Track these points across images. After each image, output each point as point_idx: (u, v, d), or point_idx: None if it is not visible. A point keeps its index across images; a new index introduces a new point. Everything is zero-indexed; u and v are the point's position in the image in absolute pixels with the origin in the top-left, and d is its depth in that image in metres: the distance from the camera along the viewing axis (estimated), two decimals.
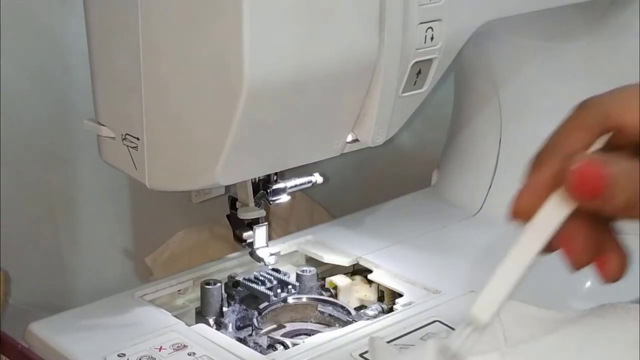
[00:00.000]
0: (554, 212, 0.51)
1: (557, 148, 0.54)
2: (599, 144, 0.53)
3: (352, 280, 0.83)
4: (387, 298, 0.81)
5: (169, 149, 0.68)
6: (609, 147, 0.53)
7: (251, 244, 0.80)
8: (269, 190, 0.79)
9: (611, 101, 0.54)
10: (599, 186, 0.50)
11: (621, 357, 0.53)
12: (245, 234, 0.80)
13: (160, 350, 0.71)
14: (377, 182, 1.10)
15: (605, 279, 0.54)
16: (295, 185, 0.80)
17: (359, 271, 0.84)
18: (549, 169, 0.53)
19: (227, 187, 0.82)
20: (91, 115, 0.73)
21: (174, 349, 0.71)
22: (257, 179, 0.78)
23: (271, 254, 0.81)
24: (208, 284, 0.78)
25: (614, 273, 0.54)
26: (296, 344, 0.73)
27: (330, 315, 0.79)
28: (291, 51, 0.63)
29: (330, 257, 0.84)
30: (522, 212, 0.52)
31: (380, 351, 0.57)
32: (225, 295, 0.79)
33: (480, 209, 0.91)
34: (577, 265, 0.53)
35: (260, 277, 0.80)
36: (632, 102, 0.54)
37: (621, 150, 0.52)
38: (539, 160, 0.54)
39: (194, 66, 0.64)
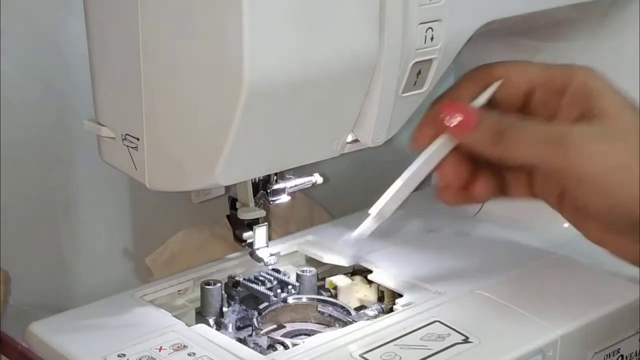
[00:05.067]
0: (440, 146, 0.68)
1: (448, 94, 0.70)
2: (485, 95, 0.68)
3: (352, 280, 0.83)
4: (387, 298, 0.81)
5: (169, 149, 0.68)
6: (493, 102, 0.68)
7: (251, 244, 0.80)
8: (269, 191, 0.79)
9: (499, 63, 0.70)
10: (470, 121, 0.66)
11: None
12: (245, 234, 0.80)
13: (160, 351, 0.71)
14: (377, 182, 1.09)
15: (475, 201, 0.72)
16: (295, 185, 0.81)
17: (359, 271, 0.84)
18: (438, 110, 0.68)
19: (227, 187, 0.82)
20: (91, 115, 0.73)
21: (174, 349, 0.71)
22: (257, 179, 0.78)
23: (271, 254, 0.81)
24: (208, 284, 0.78)
25: (479, 195, 0.70)
26: (296, 344, 0.73)
27: (330, 315, 0.79)
28: (291, 51, 0.63)
29: (330, 257, 0.84)
30: (418, 142, 0.69)
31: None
32: (225, 295, 0.79)
33: (480, 209, 0.91)
34: (444, 183, 0.71)
35: (260, 277, 0.80)
36: (517, 64, 0.69)
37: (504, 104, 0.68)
38: (434, 103, 0.70)
39: (193, 66, 0.64)
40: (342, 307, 0.79)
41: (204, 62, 0.64)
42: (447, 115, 0.66)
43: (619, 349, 0.78)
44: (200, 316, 0.78)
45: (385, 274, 0.82)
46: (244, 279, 0.80)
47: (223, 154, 0.65)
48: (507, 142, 0.64)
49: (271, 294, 0.78)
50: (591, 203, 0.63)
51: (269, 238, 0.82)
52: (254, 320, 0.77)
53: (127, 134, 0.70)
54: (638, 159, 0.61)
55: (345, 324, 0.77)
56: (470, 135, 0.66)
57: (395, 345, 0.71)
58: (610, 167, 0.61)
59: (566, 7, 0.80)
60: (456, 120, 0.66)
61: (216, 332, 0.75)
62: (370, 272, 0.82)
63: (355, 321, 0.77)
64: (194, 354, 0.70)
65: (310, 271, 0.82)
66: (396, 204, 0.72)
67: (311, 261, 0.86)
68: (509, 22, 0.77)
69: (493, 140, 0.65)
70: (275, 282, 0.79)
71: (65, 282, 0.95)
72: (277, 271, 0.81)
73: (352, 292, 0.82)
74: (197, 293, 0.80)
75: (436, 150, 0.69)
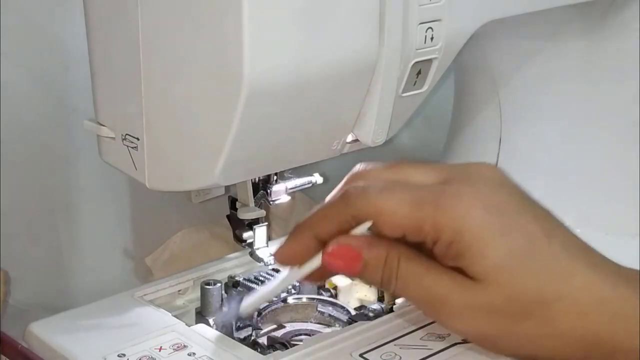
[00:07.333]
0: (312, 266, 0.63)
1: (312, 228, 0.63)
2: (361, 229, 0.61)
3: (352, 280, 0.83)
4: (387, 298, 0.81)
5: (169, 149, 0.68)
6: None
7: (251, 244, 0.80)
8: (269, 191, 0.79)
9: (363, 198, 0.61)
10: (356, 267, 0.61)
11: None
12: (245, 234, 0.80)
13: (160, 351, 0.71)
14: None
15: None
16: (295, 186, 0.81)
17: None
18: (303, 245, 0.63)
19: (227, 187, 0.82)
20: (91, 115, 0.73)
21: (174, 349, 0.71)
22: (257, 179, 0.78)
23: (271, 254, 0.81)
24: (208, 284, 0.78)
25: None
26: (296, 344, 0.73)
27: (330, 315, 0.79)
28: (291, 51, 0.63)
29: None
30: (283, 262, 0.64)
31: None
32: (225, 295, 0.79)
33: None
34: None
35: (260, 277, 0.80)
36: (384, 200, 0.60)
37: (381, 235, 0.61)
38: (298, 231, 0.63)
39: (194, 66, 0.64)
40: (342, 307, 0.79)
41: (204, 62, 0.64)
42: (332, 257, 0.61)
43: None
44: (200, 316, 0.78)
45: None
46: (244, 279, 0.80)
47: (223, 154, 0.65)
48: (393, 289, 0.61)
49: None
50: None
51: (269, 238, 0.82)
52: (254, 320, 0.77)
53: (127, 134, 0.70)
54: (510, 324, 0.59)
55: (345, 324, 0.77)
56: (359, 275, 0.62)
57: (395, 345, 0.71)
58: (485, 334, 0.61)
59: (566, 7, 0.80)
60: (341, 263, 0.61)
61: (216, 332, 0.75)
62: None
63: (355, 321, 0.77)
64: (194, 354, 0.70)
65: None
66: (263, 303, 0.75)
67: None
68: (509, 22, 0.77)
69: (382, 284, 0.61)
70: None
71: (65, 282, 0.95)
72: (277, 271, 0.81)
73: (352, 292, 0.82)
74: (197, 293, 0.80)
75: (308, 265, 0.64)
